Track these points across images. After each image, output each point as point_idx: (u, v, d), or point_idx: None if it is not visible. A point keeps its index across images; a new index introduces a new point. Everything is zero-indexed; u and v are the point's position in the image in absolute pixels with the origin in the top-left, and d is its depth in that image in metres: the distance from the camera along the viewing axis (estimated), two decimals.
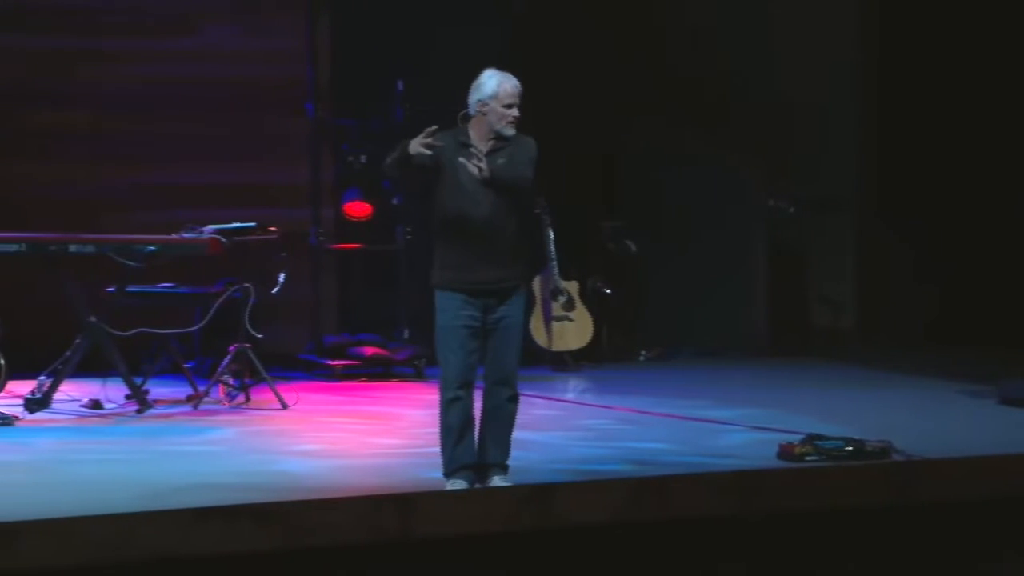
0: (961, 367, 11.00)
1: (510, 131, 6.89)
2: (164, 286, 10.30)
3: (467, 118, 6.93)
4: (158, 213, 11.04)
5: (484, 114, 6.87)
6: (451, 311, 6.85)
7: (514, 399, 6.99)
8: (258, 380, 9.91)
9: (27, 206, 10.89)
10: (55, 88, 11.63)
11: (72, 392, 9.70)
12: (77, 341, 9.45)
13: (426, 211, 7.03)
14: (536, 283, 11.80)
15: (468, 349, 6.85)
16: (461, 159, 6.80)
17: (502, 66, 7.00)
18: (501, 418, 6.97)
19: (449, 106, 7.06)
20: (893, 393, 10.44)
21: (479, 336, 6.87)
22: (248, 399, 9.87)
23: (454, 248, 6.86)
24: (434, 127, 6.79)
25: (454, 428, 6.89)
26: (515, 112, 6.87)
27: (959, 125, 12.52)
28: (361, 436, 8.91)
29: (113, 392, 9.69)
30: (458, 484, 6.84)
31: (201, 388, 9.91)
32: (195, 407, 9.76)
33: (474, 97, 6.89)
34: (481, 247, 6.85)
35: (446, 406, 6.89)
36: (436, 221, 6.93)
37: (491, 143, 6.89)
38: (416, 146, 6.73)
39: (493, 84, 6.86)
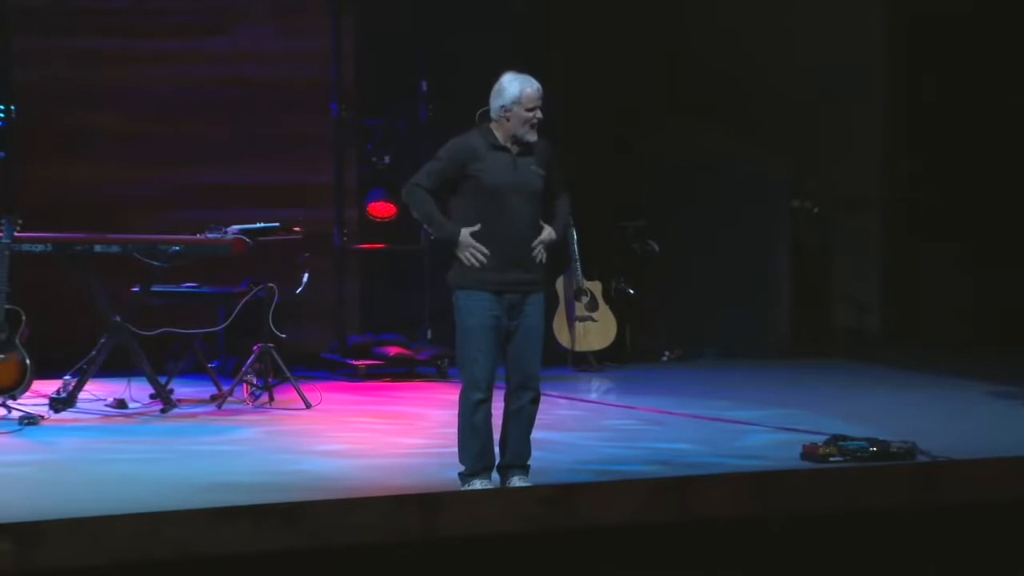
0: (987, 368, 10.95)
1: (532, 136, 6.86)
2: (188, 286, 10.34)
3: (487, 116, 6.92)
4: (185, 213, 11.06)
5: (507, 119, 6.84)
6: (479, 312, 6.82)
7: (536, 400, 7.00)
8: (282, 380, 9.92)
9: (58, 207, 10.92)
10: (85, 89, 11.66)
11: (97, 392, 9.73)
12: (102, 341, 9.49)
13: (450, 210, 6.99)
14: (559, 283, 11.79)
15: (495, 350, 6.86)
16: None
17: (526, 66, 6.98)
18: (523, 420, 6.98)
19: (473, 106, 7.05)
20: (918, 394, 10.41)
21: (503, 338, 6.88)
22: (272, 399, 9.89)
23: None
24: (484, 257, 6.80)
25: (480, 429, 6.88)
26: (538, 115, 6.85)
27: (987, 124, 12.47)
28: (384, 436, 8.91)
29: (138, 392, 9.73)
30: (480, 485, 6.85)
31: (225, 388, 9.93)
32: (219, 407, 9.79)
33: (496, 103, 6.85)
34: (509, 249, 6.84)
35: (473, 407, 6.85)
36: (462, 222, 6.86)
37: (514, 147, 6.89)
38: (467, 252, 6.76)
39: (515, 89, 6.82)
